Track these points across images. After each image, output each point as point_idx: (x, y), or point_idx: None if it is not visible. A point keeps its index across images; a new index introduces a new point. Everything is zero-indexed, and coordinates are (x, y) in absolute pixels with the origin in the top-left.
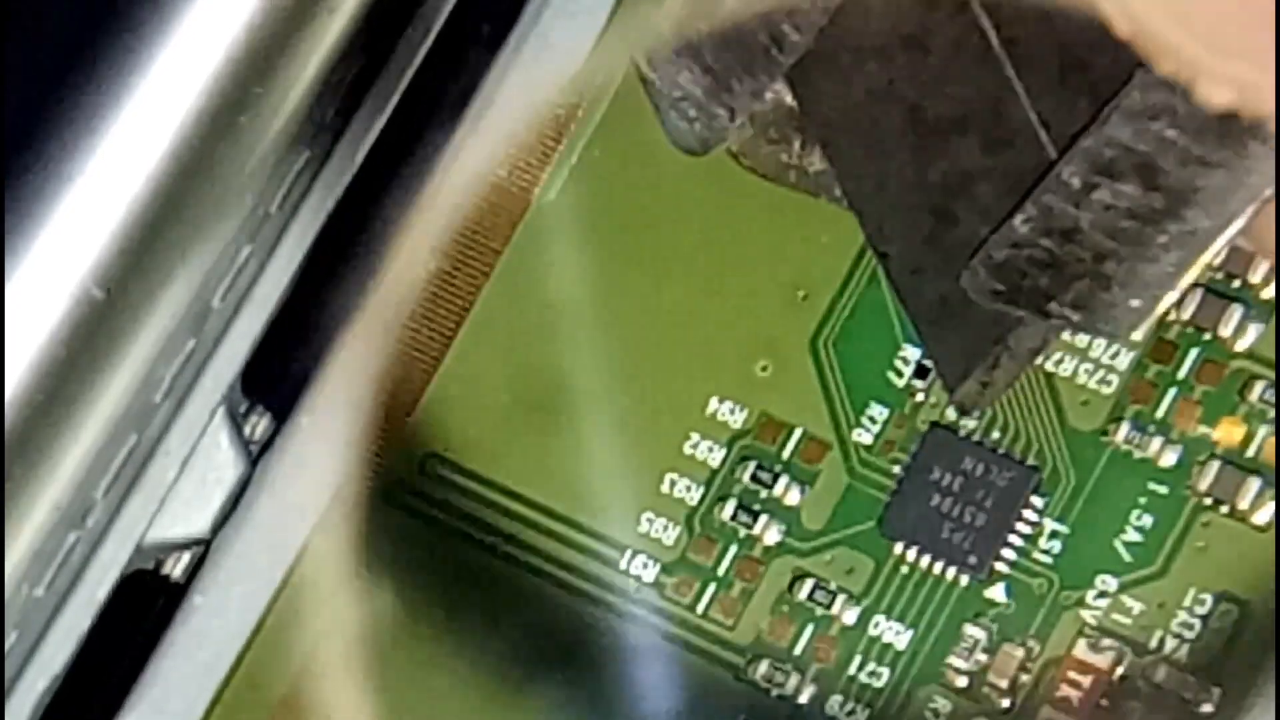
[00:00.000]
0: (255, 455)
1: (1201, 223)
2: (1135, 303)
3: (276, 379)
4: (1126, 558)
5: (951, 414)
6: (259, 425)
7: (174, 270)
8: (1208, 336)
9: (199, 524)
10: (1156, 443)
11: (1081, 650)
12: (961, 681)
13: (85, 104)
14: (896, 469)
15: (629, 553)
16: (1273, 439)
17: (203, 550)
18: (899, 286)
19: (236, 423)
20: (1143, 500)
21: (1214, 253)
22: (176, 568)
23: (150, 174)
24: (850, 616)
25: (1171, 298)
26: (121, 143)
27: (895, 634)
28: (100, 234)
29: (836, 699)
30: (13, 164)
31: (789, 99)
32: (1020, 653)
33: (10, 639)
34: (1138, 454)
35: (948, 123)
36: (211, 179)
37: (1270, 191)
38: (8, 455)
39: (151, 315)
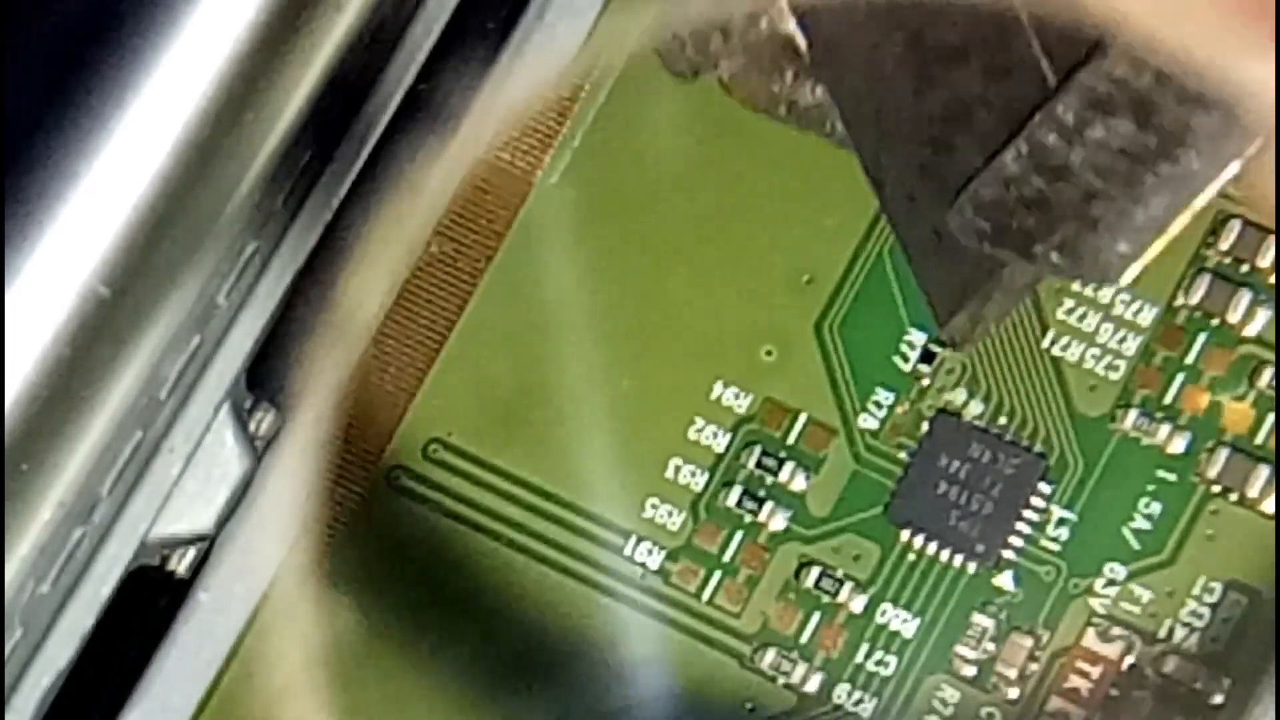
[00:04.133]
0: (260, 451)
1: (1194, 165)
2: (1123, 247)
3: (282, 375)
4: (1135, 545)
5: (958, 400)
6: (264, 421)
7: (179, 268)
8: (1216, 321)
9: (203, 520)
10: (1165, 429)
11: (1090, 639)
12: (969, 671)
13: (91, 101)
14: (903, 455)
15: (634, 539)
16: None
17: (207, 546)
18: (893, 216)
19: (241, 419)
20: (1151, 487)
21: (1206, 198)
22: (181, 564)
23: (155, 172)
24: (857, 604)
25: (1160, 244)
26: (127, 140)
27: (902, 622)
28: (106, 232)
29: (843, 688)
30: (18, 161)
31: (784, 28)
32: (1028, 642)
33: (15, 635)
34: (1146, 440)
35: (949, 50)
36: (216, 177)
37: (1263, 139)
38: (13, 452)
39: (157, 313)
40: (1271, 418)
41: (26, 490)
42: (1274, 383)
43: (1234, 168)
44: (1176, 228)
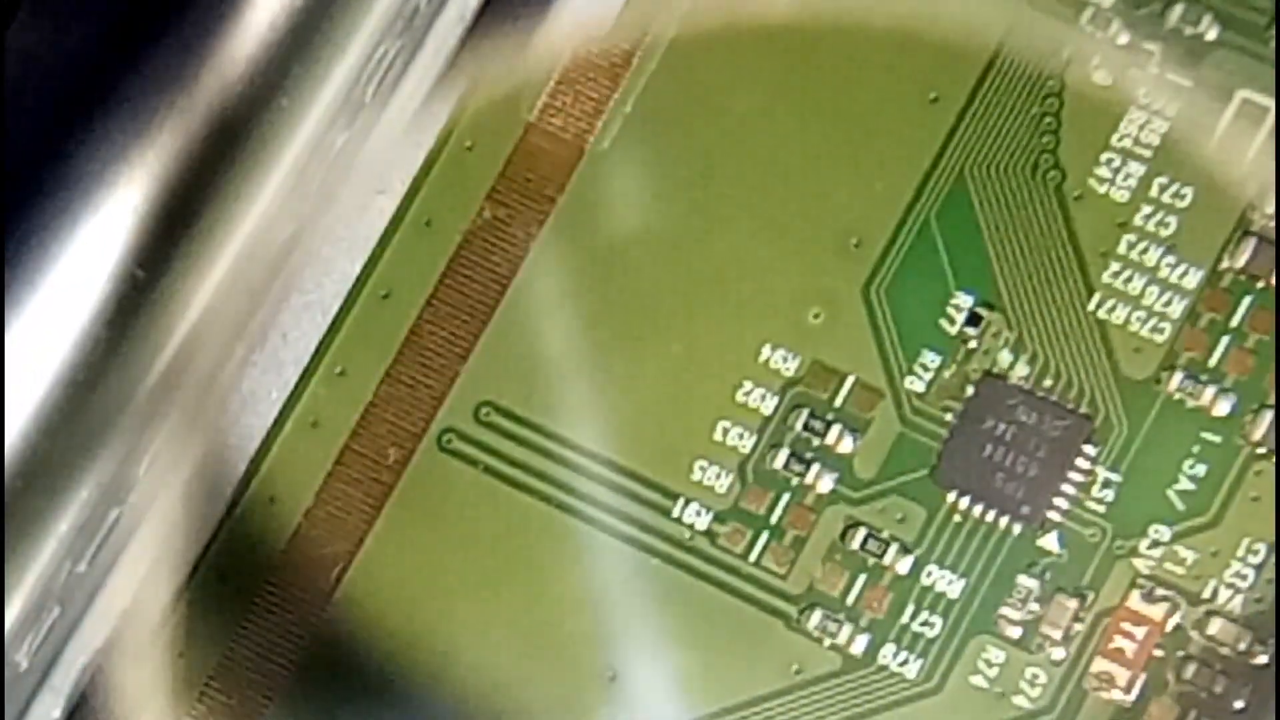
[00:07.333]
0: None
1: None
2: None
3: None
4: (1180, 507)
5: (1004, 362)
6: None
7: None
8: (1261, 285)
9: None
10: (1209, 391)
11: (1135, 601)
12: (1014, 632)
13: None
14: (949, 417)
15: (681, 501)
16: None
17: None
18: None
19: None
20: (1196, 449)
21: None
22: None
23: None
24: (903, 566)
25: None
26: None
27: (948, 583)
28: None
29: (889, 649)
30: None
31: None
32: (1073, 603)
33: (53, 614)
34: (1190, 403)
35: None
36: None
37: None
38: (53, 433)
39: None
40: None
41: (65, 469)
42: None
43: None
44: None
